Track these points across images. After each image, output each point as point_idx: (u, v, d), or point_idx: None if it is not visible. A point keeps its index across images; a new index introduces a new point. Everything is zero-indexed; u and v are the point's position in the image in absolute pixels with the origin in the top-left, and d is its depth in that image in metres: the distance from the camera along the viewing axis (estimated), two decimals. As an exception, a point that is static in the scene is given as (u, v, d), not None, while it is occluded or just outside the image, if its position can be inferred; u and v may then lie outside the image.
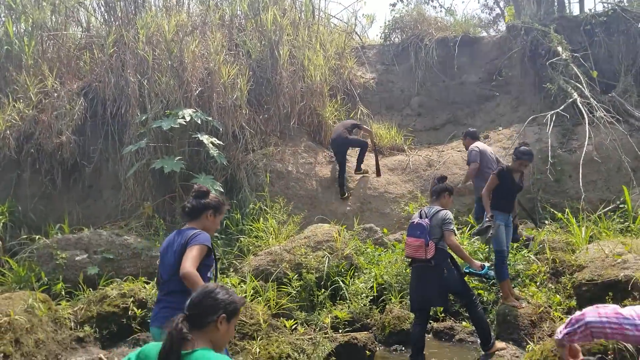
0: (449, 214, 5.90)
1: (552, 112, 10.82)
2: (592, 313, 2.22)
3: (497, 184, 6.87)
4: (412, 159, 11.42)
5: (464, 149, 11.60)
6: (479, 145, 8.85)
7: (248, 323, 5.71)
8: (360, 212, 10.39)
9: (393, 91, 13.89)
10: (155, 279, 4.30)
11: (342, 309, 6.96)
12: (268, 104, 11.28)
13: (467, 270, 6.07)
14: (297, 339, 5.56)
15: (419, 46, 13.62)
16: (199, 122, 9.77)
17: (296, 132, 11.46)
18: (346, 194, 10.69)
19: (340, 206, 10.60)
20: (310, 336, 5.97)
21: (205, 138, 9.67)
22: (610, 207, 9.25)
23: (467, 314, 7.17)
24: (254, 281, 6.71)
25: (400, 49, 14.12)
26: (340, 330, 6.27)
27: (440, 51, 13.42)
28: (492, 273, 6.01)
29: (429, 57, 13.36)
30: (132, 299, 7.12)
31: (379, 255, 8.36)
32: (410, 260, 6.10)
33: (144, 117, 9.94)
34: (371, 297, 7.38)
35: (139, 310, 7.00)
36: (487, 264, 5.96)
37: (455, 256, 6.07)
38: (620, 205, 9.08)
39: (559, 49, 11.46)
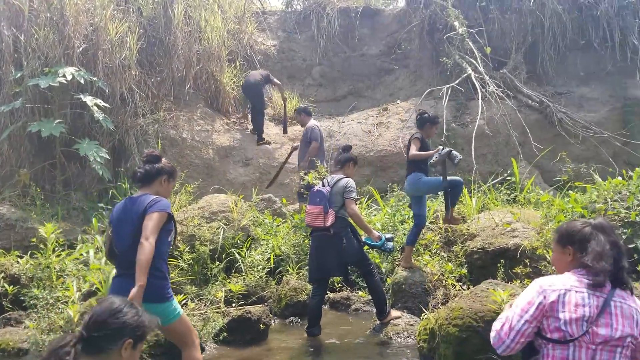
0: (352, 182, 5.79)
1: (448, 86, 11.04)
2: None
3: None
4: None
5: (364, 120, 11.67)
6: (316, 122, 9.09)
7: (133, 299, 5.26)
8: (259, 182, 10.08)
9: (295, 60, 13.57)
10: (108, 252, 3.99)
11: (236, 282, 6.67)
12: (161, 66, 10.55)
13: (366, 242, 6.00)
14: (186, 315, 5.20)
15: (321, 15, 13.37)
16: (82, 82, 8.93)
17: (192, 98, 10.86)
18: (265, 140, 10.66)
19: (238, 176, 10.24)
20: (201, 311, 5.63)
21: (89, 100, 8.87)
22: (499, 179, 9.59)
23: (363, 284, 7.17)
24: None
25: (302, 17, 13.80)
26: (234, 305, 5.99)
27: (342, 21, 13.27)
28: (389, 245, 5.95)
29: (331, 27, 13.16)
30: (2, 274, 6.40)
31: (277, 226, 8.12)
32: (310, 229, 5.91)
33: (19, 75, 8.94)
34: (268, 269, 7.15)
35: (11, 287, 6.30)
36: (385, 236, 5.90)
37: (355, 225, 5.97)
38: (508, 178, 9.45)
39: (456, 24, 11.68)
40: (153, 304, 3.55)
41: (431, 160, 6.43)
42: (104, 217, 8.45)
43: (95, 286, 5.57)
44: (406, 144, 7.11)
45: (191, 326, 4.00)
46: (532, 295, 2.25)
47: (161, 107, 10.31)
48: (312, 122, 9.19)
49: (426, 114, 6.92)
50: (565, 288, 2.21)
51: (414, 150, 6.44)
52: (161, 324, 3.61)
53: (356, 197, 5.77)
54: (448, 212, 6.72)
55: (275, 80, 10.97)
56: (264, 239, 7.78)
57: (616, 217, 6.46)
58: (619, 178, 7.21)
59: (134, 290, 3.44)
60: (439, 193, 7.96)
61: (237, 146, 10.64)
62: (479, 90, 10.67)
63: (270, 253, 7.38)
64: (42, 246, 6.86)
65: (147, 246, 3.56)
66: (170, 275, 6.38)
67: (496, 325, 2.30)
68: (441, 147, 6.52)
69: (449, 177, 6.41)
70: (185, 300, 5.57)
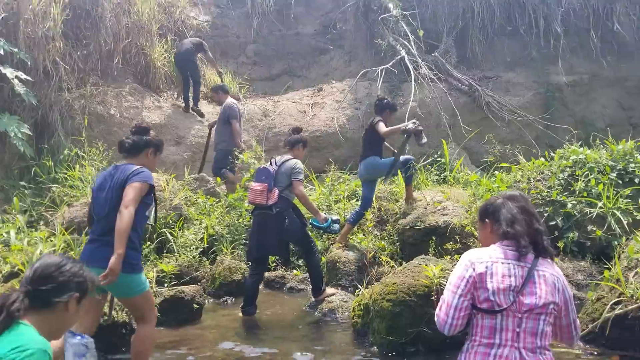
0: (299, 164, 5.76)
1: (382, 67, 11.16)
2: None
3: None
4: (247, 108, 11.07)
5: (299, 100, 11.62)
6: (234, 100, 9.06)
7: (58, 280, 5.04)
8: (191, 161, 9.88)
9: (228, 37, 13.30)
10: (88, 219, 3.97)
11: (169, 263, 6.52)
12: (87, 39, 10.03)
13: (312, 223, 6.02)
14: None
15: (256, -9, 13.15)
16: (2, 52, 8.36)
17: (120, 73, 10.42)
18: (190, 109, 10.61)
19: (169, 155, 9.95)
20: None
21: (9, 72, 8.32)
22: (429, 160, 9.84)
23: (298, 263, 7.21)
24: (64, 234, 5.95)
25: (237, -7, 13.51)
26: (166, 285, 5.86)
27: (277, -1, 13.11)
28: (335, 227, 6.03)
29: (266, 4, 12.99)
30: None
31: (211, 206, 7.99)
32: (252, 207, 5.85)
33: None
34: (201, 249, 7.03)
35: None
36: (332, 217, 5.94)
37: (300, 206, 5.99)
38: (438, 159, 9.72)
39: (390, 5, 11.79)
40: (122, 274, 3.52)
41: (404, 127, 6.61)
42: (25, 196, 8.03)
43: (17, 267, 5.29)
44: (366, 129, 7.15)
45: (153, 303, 4.00)
46: (461, 270, 2.32)
47: (87, 81, 9.82)
48: (229, 100, 9.07)
49: (385, 100, 7.08)
50: (492, 260, 2.29)
51: (384, 128, 6.55)
52: (126, 295, 3.73)
53: (302, 178, 5.74)
54: (409, 190, 7.13)
55: (209, 52, 10.74)
56: (197, 219, 7.64)
57: (539, 196, 6.79)
58: (542, 159, 7.57)
59: (113, 259, 3.43)
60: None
61: (169, 124, 10.34)
62: (411, 72, 10.86)
63: (204, 233, 7.26)
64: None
65: (126, 214, 3.52)
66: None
67: (437, 311, 2.37)
68: (416, 120, 6.70)
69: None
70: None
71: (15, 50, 8.61)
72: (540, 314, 2.25)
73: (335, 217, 6.01)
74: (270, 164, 5.82)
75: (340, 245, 6.79)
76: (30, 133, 8.53)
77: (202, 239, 7.18)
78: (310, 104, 11.43)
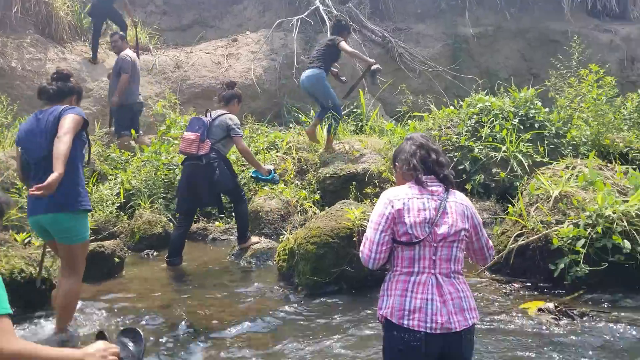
0: (236, 119, 5.70)
1: (297, 17, 11.09)
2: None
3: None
4: (158, 60, 10.68)
5: (213, 51, 11.33)
6: (131, 53, 8.51)
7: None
8: (101, 115, 9.47)
9: (135, -16, 12.61)
10: (21, 171, 3.87)
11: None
12: (-19, -15, 9.21)
13: (255, 175, 6.03)
14: (31, 253, 4.86)
15: None
16: None
17: (20, 23, 9.69)
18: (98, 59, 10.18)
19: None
20: (48, 250, 5.28)
21: None
22: (346, 111, 10.02)
23: (220, 215, 7.22)
24: (-30, 191, 5.61)
25: (142, -64, 12.76)
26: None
27: (186, -56, 12.54)
28: (277, 177, 6.14)
29: (174, -50, 12.39)
30: None
31: (126, 160, 7.76)
32: (183, 158, 5.76)
33: None
34: (118, 204, 6.87)
35: None
36: (270, 168, 6.02)
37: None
38: (355, 110, 9.92)
39: (304, -46, 11.64)
40: (68, 213, 3.59)
41: (371, 61, 7.09)
42: None
43: None
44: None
45: (85, 258, 3.96)
46: (381, 208, 2.48)
47: (-19, 31, 9.08)
48: (126, 52, 8.47)
49: (342, 21, 7.39)
50: (408, 197, 2.47)
51: (350, 48, 7.00)
52: (69, 242, 3.71)
53: (242, 133, 5.74)
54: (329, 139, 7.41)
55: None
56: (111, 174, 7.42)
57: (449, 142, 7.18)
58: (451, 108, 7.95)
59: (52, 176, 3.32)
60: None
61: (75, 77, 9.65)
62: (327, 23, 10.86)
63: (120, 188, 7.08)
64: None
65: (64, 139, 3.46)
66: (9, 213, 5.91)
67: (361, 248, 2.52)
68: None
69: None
70: (29, 238, 5.18)
71: None
72: (453, 241, 2.46)
73: (271, 167, 6.10)
74: (205, 115, 5.70)
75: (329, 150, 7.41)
76: None
77: (118, 194, 7.00)
78: (224, 55, 11.20)
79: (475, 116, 7.38)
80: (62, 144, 3.45)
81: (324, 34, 11.09)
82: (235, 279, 5.27)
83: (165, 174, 7.46)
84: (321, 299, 4.54)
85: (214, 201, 5.90)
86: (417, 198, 2.45)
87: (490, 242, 2.66)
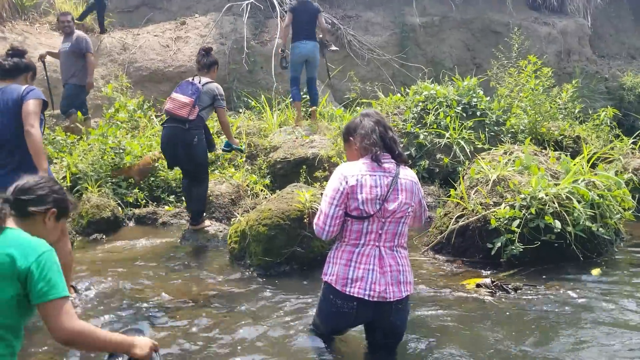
0: (221, 88, 5.74)
1: (247, 2, 11.07)
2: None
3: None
4: (105, 42, 10.44)
5: (161, 34, 11.18)
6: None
7: None
8: (45, 95, 9.17)
9: (78, -38, 12.22)
10: None
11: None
12: None
13: (227, 147, 6.13)
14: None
15: None
16: None
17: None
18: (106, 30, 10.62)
19: (18, 90, 9.18)
20: None
21: None
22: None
23: (169, 199, 7.21)
24: None
25: None
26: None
27: None
28: (243, 146, 6.47)
29: None
30: None
31: (72, 143, 7.62)
32: (167, 118, 5.73)
33: None
34: (65, 188, 6.75)
35: None
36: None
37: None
38: (304, 95, 10.02)
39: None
40: None
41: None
42: None
43: None
44: None
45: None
46: (336, 183, 2.63)
47: None
48: (81, 32, 8.50)
49: None
50: (361, 173, 2.62)
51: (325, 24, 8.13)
52: None
53: (225, 105, 5.83)
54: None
55: None
56: (57, 157, 7.27)
57: (395, 129, 7.39)
58: (398, 95, 8.18)
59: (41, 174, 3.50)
60: None
61: (15, 57, 9.45)
62: (277, 8, 10.89)
63: (66, 171, 6.96)
64: None
65: (35, 133, 3.70)
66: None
67: (315, 220, 2.66)
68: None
69: None
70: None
71: None
72: (400, 217, 2.65)
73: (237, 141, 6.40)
74: (193, 81, 5.66)
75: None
76: None
77: (64, 177, 6.88)
78: (173, 37, 11.06)
79: (421, 104, 7.63)
80: (36, 140, 3.70)
81: (273, 19, 11.13)
82: (188, 261, 5.32)
83: (112, 158, 7.38)
84: (273, 278, 4.67)
85: (190, 164, 5.76)
86: (370, 175, 2.60)
87: (426, 206, 2.91)
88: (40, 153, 3.73)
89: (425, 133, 7.27)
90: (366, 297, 2.58)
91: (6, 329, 2.01)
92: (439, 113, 7.46)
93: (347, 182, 2.59)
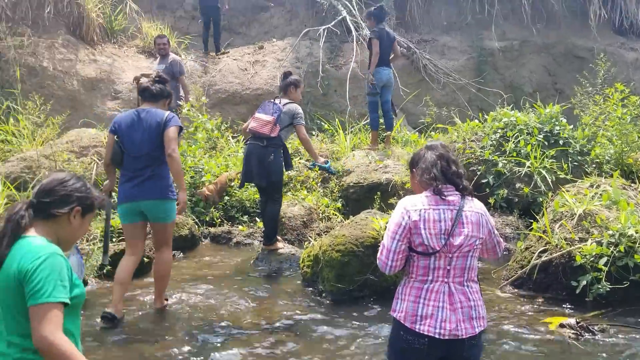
0: (300, 108, 5.92)
1: (324, 27, 11.22)
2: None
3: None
4: (187, 65, 10.86)
5: (240, 57, 11.52)
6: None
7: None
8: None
9: (165, -11, 12.90)
10: (112, 156, 4.41)
11: (113, 218, 6.48)
12: (15, -15, 9.49)
13: (312, 165, 6.28)
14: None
15: (194, -57, 12.73)
16: None
17: (52, 23, 9.95)
18: (222, 50, 11.41)
19: (106, 110, 9.72)
20: (81, 247, 5.45)
21: None
22: (368, 120, 10.10)
23: (243, 219, 7.34)
24: (10, 188, 5.79)
25: (173, -56, 13.03)
26: (114, 240, 5.86)
27: (217, -49, 12.73)
28: (333, 168, 6.39)
29: (205, -43, 12.58)
30: None
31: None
32: (250, 136, 5.95)
33: None
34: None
35: None
36: (329, 160, 6.35)
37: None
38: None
39: (332, -35, 11.79)
40: (164, 201, 4.32)
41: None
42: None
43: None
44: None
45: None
46: (398, 218, 2.55)
47: (16, 31, 9.33)
48: (174, 55, 8.90)
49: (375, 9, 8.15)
50: (424, 207, 2.53)
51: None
52: (164, 220, 4.40)
53: (304, 122, 5.95)
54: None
55: None
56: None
57: (472, 156, 7.22)
58: (476, 121, 7.99)
59: (181, 194, 4.42)
60: None
61: (105, 78, 10.04)
62: (353, 33, 10.98)
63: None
64: None
65: (176, 157, 4.27)
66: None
67: (378, 255, 2.63)
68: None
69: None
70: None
71: (-64, -6, 8.06)
72: (468, 251, 2.54)
73: (325, 159, 6.47)
74: (275, 101, 5.89)
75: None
76: (-44, 83, 8.09)
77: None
78: (251, 61, 11.37)
79: (500, 130, 7.41)
80: (177, 163, 4.28)
81: (349, 43, 11.22)
82: (260, 283, 5.36)
83: (192, 176, 7.61)
84: (345, 305, 4.62)
85: (265, 179, 5.80)
86: (434, 209, 2.51)
87: (500, 239, 2.75)
88: (180, 174, 4.36)
89: (505, 161, 7.04)
90: (437, 336, 2.50)
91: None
92: (519, 141, 7.21)
93: (409, 217, 2.51)
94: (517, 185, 6.95)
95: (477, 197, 6.04)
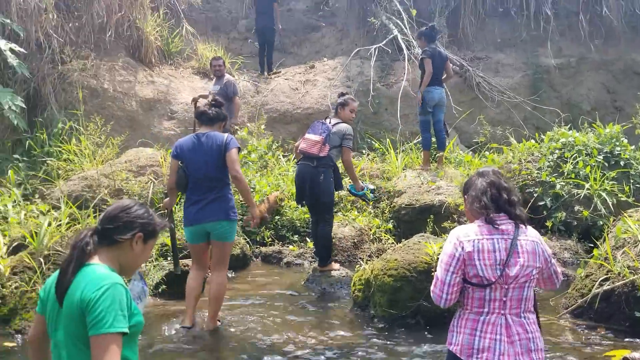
0: (351, 130, 5.94)
1: (376, 46, 11.23)
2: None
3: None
4: (239, 85, 11.08)
5: (291, 77, 11.66)
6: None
7: (65, 253, 5.11)
8: (185, 136, 9.88)
9: (220, 11, 13.24)
10: (177, 181, 4.62)
11: (168, 236, 6.62)
12: (80, 11, 9.94)
13: (350, 189, 6.27)
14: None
15: (248, -35, 13.04)
16: (-6, 23, 8.28)
17: (113, 46, 10.34)
18: (274, 70, 11.58)
19: (162, 130, 10.00)
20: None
21: (2, 43, 8.23)
22: (420, 139, 9.99)
23: (293, 239, 7.36)
24: (71, 207, 6.01)
25: (228, -33, 13.39)
26: (169, 258, 5.99)
27: (269, -26, 12.98)
28: (371, 196, 6.36)
29: (258, -21, 12.86)
30: None
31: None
32: (300, 157, 6.03)
33: None
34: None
35: None
36: (369, 186, 6.25)
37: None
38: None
39: (384, -16, 11.82)
40: (225, 221, 4.48)
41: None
42: (20, 169, 8.02)
43: (24, 240, 5.35)
44: None
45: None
46: (451, 249, 2.50)
47: (80, 54, 9.76)
48: (229, 76, 9.07)
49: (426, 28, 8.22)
50: (477, 238, 2.47)
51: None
52: (225, 239, 4.56)
53: (351, 145, 5.97)
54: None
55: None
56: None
57: (529, 177, 7.03)
58: (532, 141, 7.79)
59: (253, 211, 4.69)
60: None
61: (162, 99, 10.34)
62: (404, 51, 10.95)
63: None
64: (-45, 198, 6.48)
65: (242, 177, 4.53)
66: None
67: (432, 288, 2.58)
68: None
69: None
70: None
71: (8, 21, 8.52)
72: (525, 282, 2.47)
73: (372, 187, 6.33)
74: (324, 121, 5.94)
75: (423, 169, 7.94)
76: (23, 106, 8.49)
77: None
78: (302, 81, 11.48)
79: (557, 151, 7.20)
80: (244, 183, 4.56)
81: (400, 62, 11.18)
82: (311, 305, 5.35)
83: (256, 199, 7.71)
84: (397, 331, 4.55)
85: (312, 199, 5.88)
86: (487, 239, 2.46)
87: (558, 268, 2.67)
88: (248, 192, 4.69)
89: (562, 183, 6.82)
90: None
91: None
92: (577, 162, 6.98)
93: (463, 248, 2.46)
94: (576, 208, 6.71)
95: (534, 220, 5.93)
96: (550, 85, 11.73)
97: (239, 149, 4.57)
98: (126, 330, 2.05)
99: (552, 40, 11.85)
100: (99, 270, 2.13)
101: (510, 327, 2.44)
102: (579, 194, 6.67)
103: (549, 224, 6.63)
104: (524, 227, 2.52)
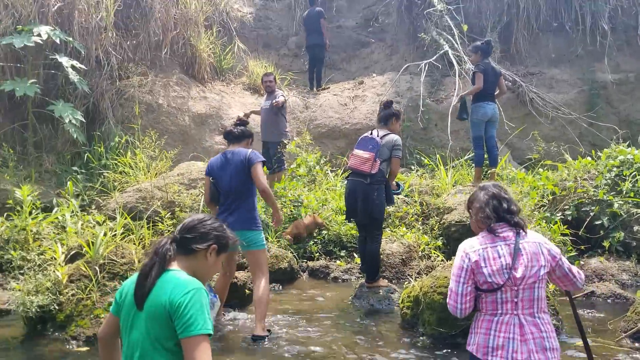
0: (400, 140, 5.87)
1: (425, 61, 11.17)
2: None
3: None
4: (289, 100, 11.21)
5: (340, 93, 11.72)
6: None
7: (119, 262, 5.26)
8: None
9: (271, 29, 13.47)
10: (210, 197, 5.02)
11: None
12: (137, 29, 10.33)
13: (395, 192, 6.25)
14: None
15: (299, -17, 13.26)
16: (58, 42, 8.68)
17: (168, 63, 10.69)
18: (322, 86, 11.89)
19: (214, 144, 10.21)
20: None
21: (65, 60, 8.64)
22: (471, 155, 9.83)
23: (340, 254, 7.34)
24: (126, 218, 6.19)
25: (279, -15, 13.64)
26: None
27: (320, -9, 13.16)
28: (399, 190, 6.44)
29: (308, -3, 13.05)
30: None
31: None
32: (349, 172, 5.97)
33: (-11, 32, 8.62)
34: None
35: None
36: (402, 184, 6.55)
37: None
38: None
39: (434, 0, 11.76)
40: (248, 231, 4.74)
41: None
42: (78, 181, 8.33)
43: (80, 249, 5.54)
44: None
45: (267, 261, 5.22)
46: (459, 261, 2.70)
47: (136, 71, 10.12)
48: (279, 91, 9.11)
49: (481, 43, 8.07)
50: (482, 247, 2.66)
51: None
52: (256, 247, 4.82)
53: (401, 155, 5.89)
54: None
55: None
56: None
57: (585, 195, 6.80)
58: (588, 158, 7.54)
59: (277, 215, 5.04)
60: None
61: (213, 114, 10.58)
62: (455, 67, 10.84)
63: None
64: (18, 208, 6.77)
65: (269, 192, 4.88)
66: (155, 239, 6.45)
67: (447, 300, 2.77)
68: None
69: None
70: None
71: (70, 39, 8.92)
72: (534, 282, 2.61)
73: (401, 183, 6.65)
74: (372, 135, 5.83)
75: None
76: (83, 120, 8.84)
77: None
78: (351, 96, 11.52)
79: (615, 169, 6.94)
80: (271, 195, 4.93)
81: (450, 77, 11.07)
82: (358, 321, 5.30)
83: (291, 210, 7.77)
84: (446, 350, 4.45)
85: (366, 218, 5.80)
86: (491, 247, 2.65)
87: (576, 267, 2.76)
88: (276, 204, 5.05)
89: (621, 202, 6.56)
90: None
91: None
92: (636, 180, 6.70)
93: (469, 259, 2.64)
94: (635, 228, 6.45)
95: (590, 239, 5.75)
96: (608, 101, 11.35)
97: (264, 163, 4.85)
98: (212, 331, 2.17)
99: (609, 56, 11.49)
100: (181, 276, 2.25)
101: (524, 327, 2.59)
102: (638, 213, 6.40)
103: (606, 244, 6.38)
104: (523, 233, 2.69)
